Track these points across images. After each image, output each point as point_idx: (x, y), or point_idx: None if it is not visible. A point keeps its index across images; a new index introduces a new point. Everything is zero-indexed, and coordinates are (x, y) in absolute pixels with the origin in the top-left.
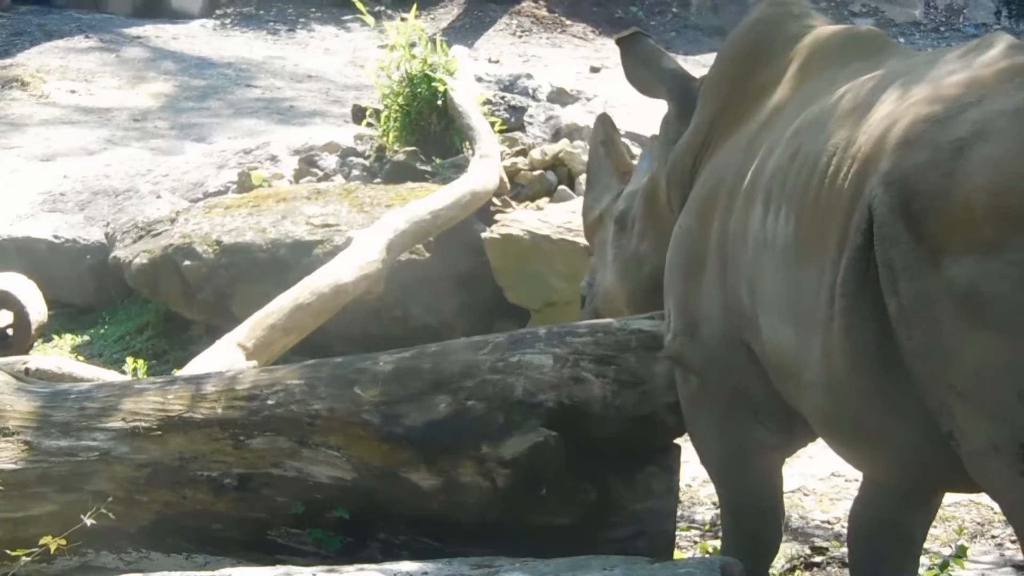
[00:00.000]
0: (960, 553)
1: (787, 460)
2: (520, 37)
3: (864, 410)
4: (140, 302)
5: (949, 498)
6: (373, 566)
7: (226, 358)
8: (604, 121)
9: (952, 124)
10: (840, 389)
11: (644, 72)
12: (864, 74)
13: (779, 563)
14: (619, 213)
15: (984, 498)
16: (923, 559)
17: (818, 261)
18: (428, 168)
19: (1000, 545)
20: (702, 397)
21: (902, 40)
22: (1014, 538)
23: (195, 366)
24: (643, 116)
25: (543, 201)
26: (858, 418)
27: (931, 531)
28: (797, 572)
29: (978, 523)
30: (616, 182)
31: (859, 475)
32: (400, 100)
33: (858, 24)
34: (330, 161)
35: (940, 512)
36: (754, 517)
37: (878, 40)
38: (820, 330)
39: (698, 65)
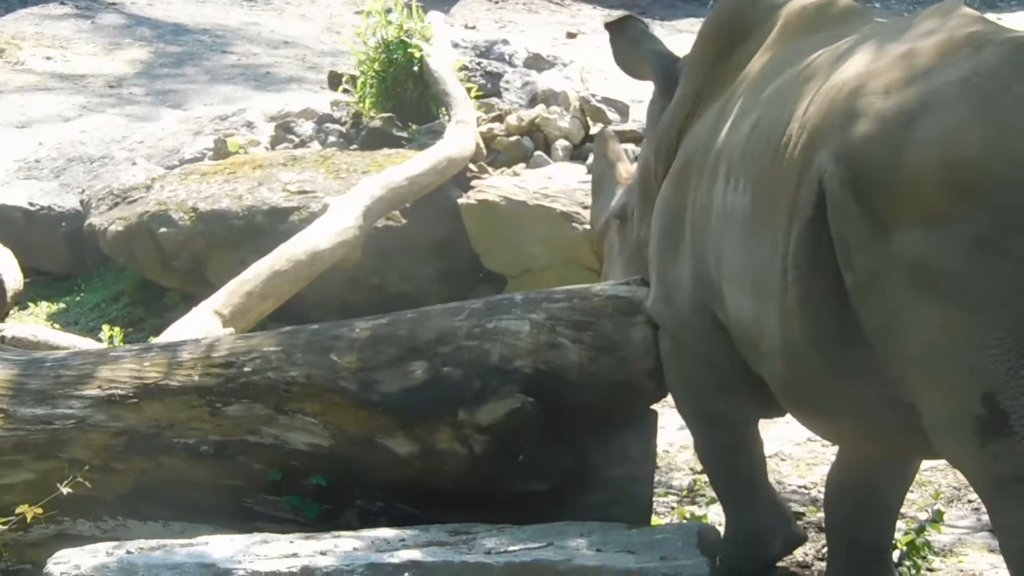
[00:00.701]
0: (936, 518)
1: (764, 424)
2: (496, 3)
3: (821, 378)
4: (116, 270)
5: (926, 463)
6: (350, 533)
7: (202, 325)
8: (606, 135)
9: (900, 96)
10: (797, 357)
11: (631, 54)
12: (826, 45)
13: None
14: (619, 207)
15: None
16: (900, 524)
17: (771, 232)
18: (404, 134)
19: (977, 510)
20: (674, 360)
21: (878, 6)
22: None
23: (171, 334)
24: (620, 83)
25: (520, 167)
26: (816, 385)
27: (908, 496)
28: None
29: (954, 487)
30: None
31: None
32: (376, 66)
33: None
34: (306, 128)
35: (917, 477)
36: (732, 480)
37: (847, 10)
38: (776, 300)
39: (674, 30)
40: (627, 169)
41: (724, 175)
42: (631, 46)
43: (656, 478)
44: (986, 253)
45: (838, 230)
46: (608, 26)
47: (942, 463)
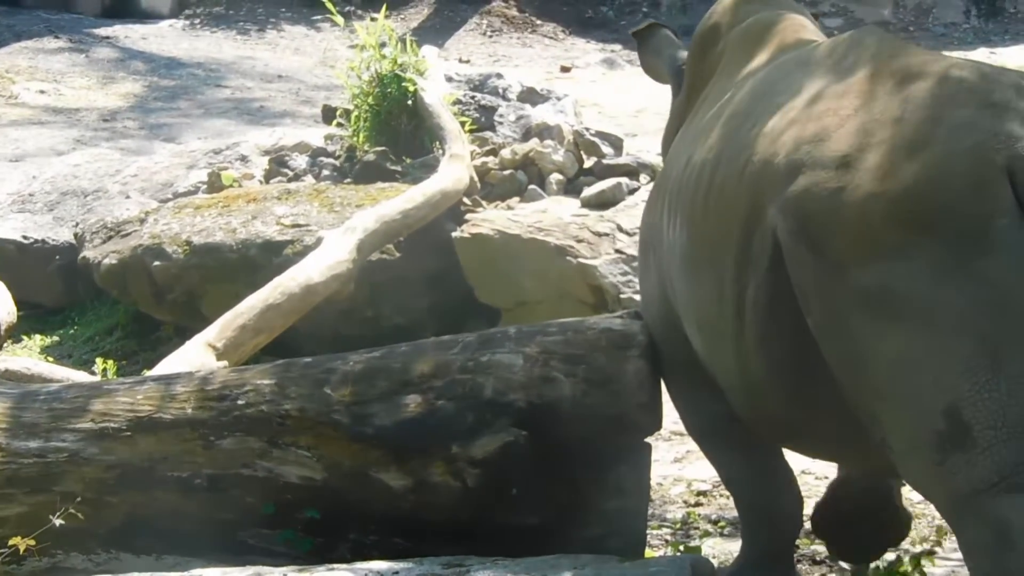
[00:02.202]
0: (930, 552)
1: None
2: (490, 37)
3: (784, 409)
4: (109, 303)
5: (917, 495)
6: (343, 566)
7: (196, 358)
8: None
9: (834, 141)
10: (758, 392)
11: (654, 62)
12: (756, 77)
13: None
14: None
15: None
16: (893, 555)
17: (715, 275)
18: (398, 168)
19: None
20: (666, 369)
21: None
22: None
23: (165, 367)
24: (614, 115)
25: (513, 200)
26: (779, 416)
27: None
28: None
29: None
30: None
31: (830, 472)
32: (370, 100)
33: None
34: (300, 161)
35: (912, 509)
36: (749, 488)
37: (782, 32)
38: (730, 340)
39: None
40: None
41: (668, 207)
42: (654, 53)
43: (650, 511)
44: (947, 278)
45: (796, 279)
46: (634, 34)
47: None
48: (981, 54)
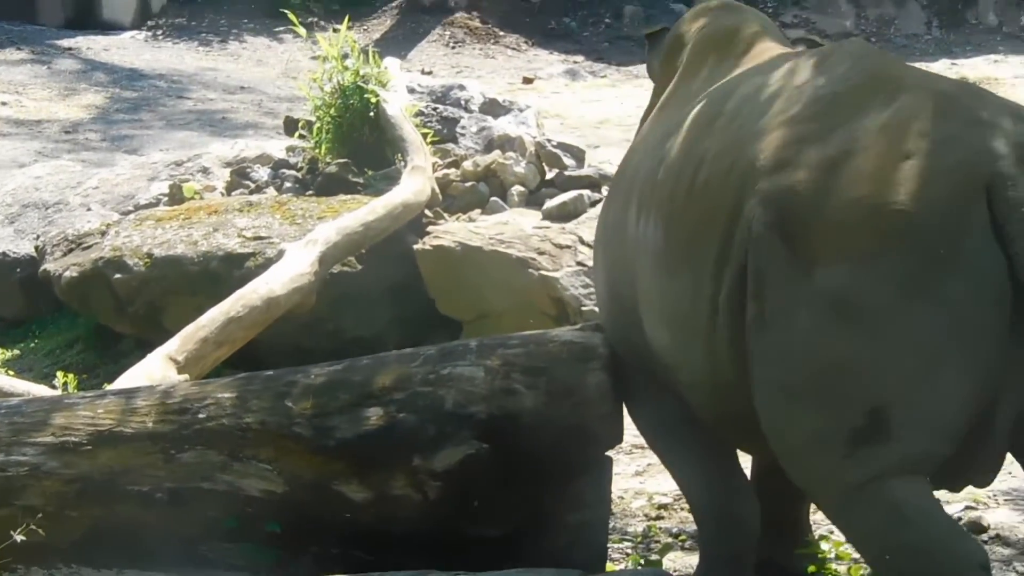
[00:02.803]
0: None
1: None
2: (453, 48)
3: (746, 408)
4: (70, 316)
5: None
6: None
7: (157, 372)
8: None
9: (822, 143)
10: (723, 390)
11: (654, 65)
12: (734, 79)
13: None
14: None
15: None
16: (843, 568)
17: (693, 272)
18: (360, 180)
19: None
20: (622, 368)
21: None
22: None
23: (126, 380)
24: (576, 127)
25: (475, 212)
26: (739, 413)
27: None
28: None
29: None
30: None
31: None
32: (332, 112)
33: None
34: (262, 173)
35: None
36: (705, 492)
37: (755, 38)
38: (701, 337)
39: (630, 75)
40: None
41: (636, 206)
42: (655, 56)
43: (611, 524)
44: (910, 292)
45: (755, 264)
46: (647, 35)
47: None
48: (942, 65)
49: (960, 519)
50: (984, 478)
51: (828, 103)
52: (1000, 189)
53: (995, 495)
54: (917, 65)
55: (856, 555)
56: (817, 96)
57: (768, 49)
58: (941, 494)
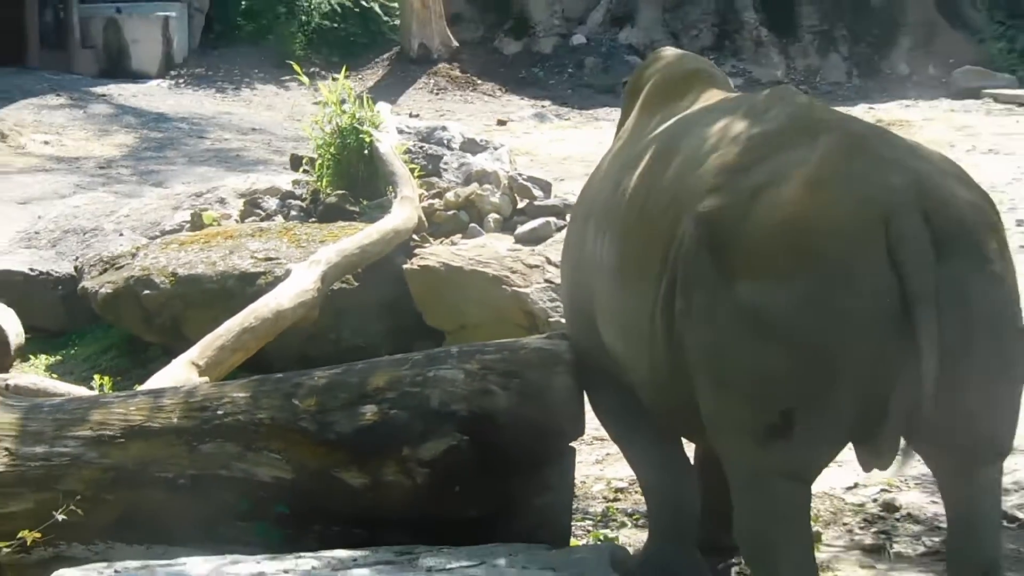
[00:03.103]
0: (816, 538)
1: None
2: (437, 94)
3: (685, 404)
4: (105, 327)
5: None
6: (310, 554)
7: (181, 375)
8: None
9: (750, 173)
10: (665, 390)
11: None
12: (684, 118)
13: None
14: None
15: (837, 491)
16: None
17: (640, 286)
18: (356, 209)
19: (850, 531)
20: (585, 369)
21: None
22: (862, 525)
23: (153, 382)
24: (544, 163)
25: (457, 237)
26: (679, 409)
27: None
28: None
29: (832, 512)
30: None
31: None
32: (332, 150)
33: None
34: (271, 203)
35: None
36: (653, 475)
37: (703, 83)
38: (645, 342)
39: (591, 118)
40: None
41: (594, 224)
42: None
43: (574, 505)
44: (812, 308)
45: (684, 272)
46: (624, 84)
47: (820, 491)
48: (861, 109)
49: (876, 500)
50: (885, 462)
51: (757, 140)
52: (894, 220)
53: (907, 479)
54: (839, 108)
55: None
56: (748, 134)
57: (713, 93)
58: (862, 477)
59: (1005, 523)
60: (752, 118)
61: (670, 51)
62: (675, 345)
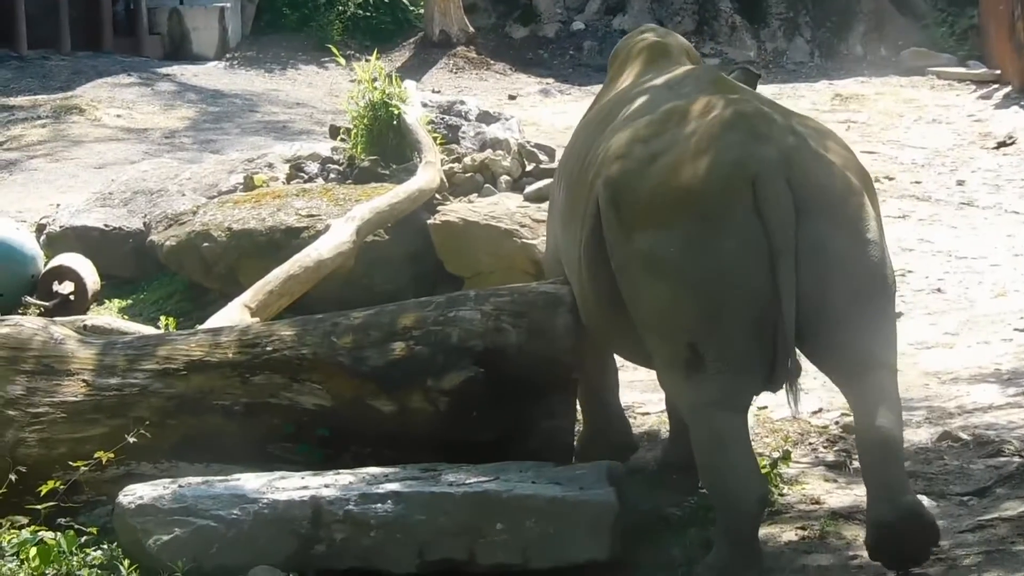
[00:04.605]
0: (785, 456)
1: None
2: (456, 73)
3: (607, 326)
4: (170, 275)
5: (777, 413)
6: (347, 471)
7: (235, 316)
8: None
9: (649, 144)
10: (590, 314)
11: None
12: (627, 88)
13: None
14: None
15: (804, 415)
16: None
17: (574, 228)
18: (387, 172)
19: (815, 450)
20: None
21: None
22: (825, 444)
23: (212, 322)
24: (548, 132)
25: (473, 196)
26: (605, 331)
27: (764, 440)
28: None
29: (799, 433)
30: None
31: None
32: (365, 121)
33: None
34: (313, 167)
35: (771, 425)
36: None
37: (657, 52)
38: (576, 275)
39: (589, 93)
40: None
41: (558, 177)
42: None
43: (576, 429)
44: (692, 249)
45: (605, 233)
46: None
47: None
48: (823, 84)
49: (837, 423)
50: (778, 384)
51: (664, 113)
52: (759, 183)
53: None
54: (803, 85)
55: None
56: (659, 108)
57: (661, 66)
58: (825, 403)
59: (949, 442)
60: (668, 93)
61: (647, 29)
62: (595, 281)
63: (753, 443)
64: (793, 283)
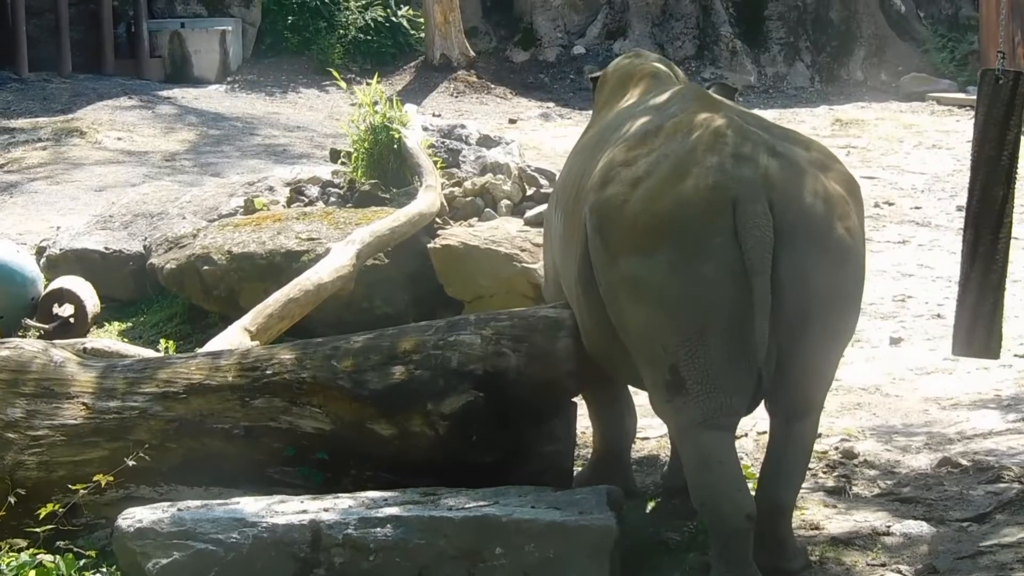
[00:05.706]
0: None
1: None
2: (456, 97)
3: (603, 348)
4: (170, 297)
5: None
6: (346, 495)
7: (235, 339)
8: None
9: (632, 167)
10: (586, 335)
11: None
12: (619, 112)
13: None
14: None
15: None
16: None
17: (571, 252)
18: (387, 196)
19: (815, 475)
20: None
21: (741, 99)
22: (825, 469)
23: (212, 345)
24: (549, 156)
25: (473, 220)
26: (609, 359)
27: (756, 457)
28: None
29: None
30: None
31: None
32: (366, 145)
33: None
34: (314, 191)
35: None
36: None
37: (644, 76)
38: (574, 297)
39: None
40: None
41: (556, 203)
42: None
43: (576, 453)
44: (675, 274)
45: (592, 257)
46: (591, 79)
47: None
48: (823, 110)
49: (837, 448)
50: (751, 409)
51: (647, 136)
52: (739, 206)
53: (863, 431)
54: (804, 110)
55: None
56: (643, 130)
57: (653, 88)
58: (824, 428)
59: (949, 468)
60: (656, 115)
61: (635, 53)
62: (590, 305)
63: (753, 468)
64: (768, 303)
